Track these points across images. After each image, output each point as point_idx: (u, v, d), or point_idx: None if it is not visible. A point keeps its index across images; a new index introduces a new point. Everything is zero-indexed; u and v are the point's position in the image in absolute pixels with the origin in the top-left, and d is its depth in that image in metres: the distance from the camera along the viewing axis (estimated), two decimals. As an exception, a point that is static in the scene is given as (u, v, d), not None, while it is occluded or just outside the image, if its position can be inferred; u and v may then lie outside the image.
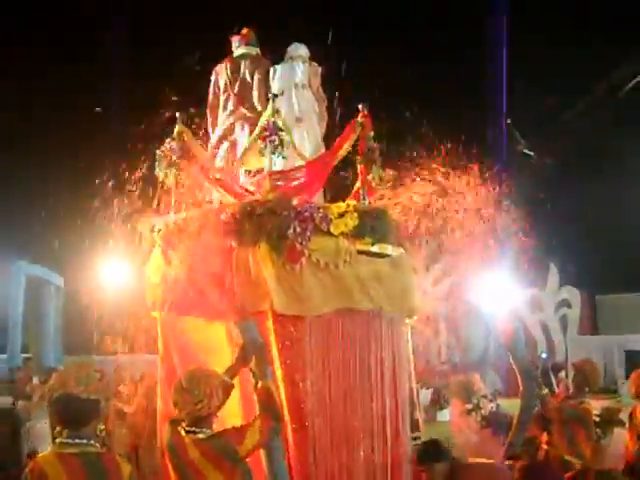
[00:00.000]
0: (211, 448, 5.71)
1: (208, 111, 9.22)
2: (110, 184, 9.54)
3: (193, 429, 5.80)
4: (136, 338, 9.45)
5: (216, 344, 7.57)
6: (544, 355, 21.89)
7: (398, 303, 7.79)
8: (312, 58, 9.07)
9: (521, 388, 8.59)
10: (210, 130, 9.11)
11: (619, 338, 30.30)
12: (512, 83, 26.35)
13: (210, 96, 9.22)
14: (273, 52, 9.30)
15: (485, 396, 11.28)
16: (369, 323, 7.52)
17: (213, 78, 9.24)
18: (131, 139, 9.71)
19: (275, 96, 8.06)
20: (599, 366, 10.48)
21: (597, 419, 9.23)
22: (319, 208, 7.41)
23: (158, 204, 8.44)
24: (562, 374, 22.82)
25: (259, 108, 8.60)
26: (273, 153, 7.69)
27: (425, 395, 23.54)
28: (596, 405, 10.39)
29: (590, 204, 31.99)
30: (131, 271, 9.25)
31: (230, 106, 8.98)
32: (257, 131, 7.88)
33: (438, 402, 20.72)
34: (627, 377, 24.08)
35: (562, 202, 31.43)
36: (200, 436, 5.77)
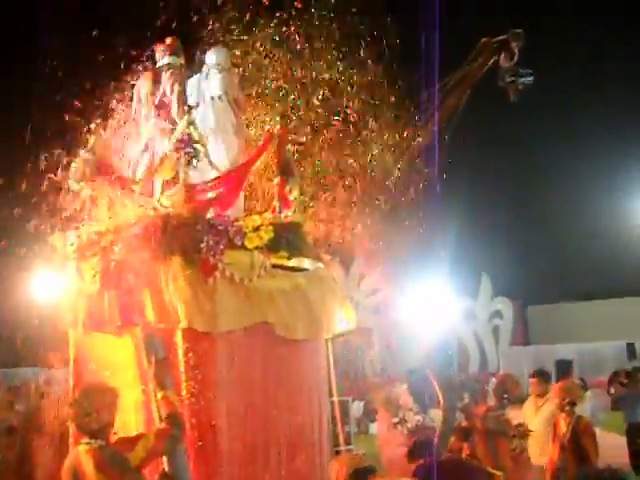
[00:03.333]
0: (102, 457, 5.64)
1: (132, 123, 9.04)
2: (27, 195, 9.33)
3: (88, 441, 5.73)
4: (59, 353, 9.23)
5: (125, 361, 7.38)
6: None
7: (315, 318, 7.70)
8: (234, 63, 8.95)
9: (441, 401, 8.58)
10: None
11: (550, 348, 30.69)
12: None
13: (133, 108, 9.03)
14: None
15: (411, 409, 11.26)
16: (284, 339, 7.41)
17: (135, 89, 9.05)
18: (48, 148, 9.51)
19: (190, 108, 7.93)
20: (521, 378, 10.54)
21: (521, 429, 9.27)
22: (233, 221, 7.32)
23: (72, 217, 8.23)
24: (492, 382, 22.95)
25: (178, 120, 8.44)
26: (187, 165, 7.56)
27: (358, 407, 23.56)
28: (521, 415, 10.45)
29: (522, 217, 32.39)
30: (51, 286, 9.03)
31: (151, 118, 8.81)
32: (172, 143, 7.73)
33: (370, 414, 20.71)
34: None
35: (495, 215, 31.79)
36: (94, 446, 5.71)
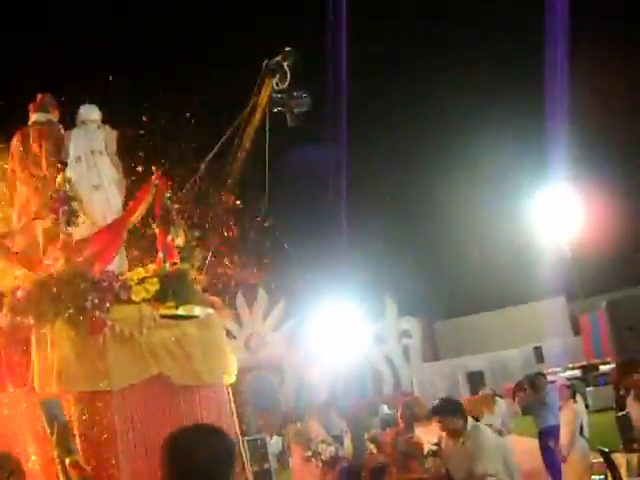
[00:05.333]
0: None
1: (9, 186, 8.87)
2: None
3: None
4: None
5: (19, 429, 7.18)
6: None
7: (211, 363, 7.63)
8: (105, 120, 8.82)
9: (349, 434, 8.62)
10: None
11: (460, 361, 31.10)
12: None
13: (8, 171, 8.87)
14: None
15: (324, 440, 11.25)
16: (182, 387, 7.32)
17: (10, 151, 8.90)
18: None
19: (65, 164, 7.82)
20: (436, 393, 10.64)
21: (434, 447, 9.33)
22: (117, 276, 7.22)
23: None
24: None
25: (50, 178, 8.30)
26: (67, 224, 7.44)
27: (277, 443, 23.42)
28: (437, 431, 10.54)
29: (418, 237, 32.85)
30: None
31: (22, 178, 8.65)
32: (48, 202, 7.62)
33: (289, 449, 20.59)
34: (471, 397, 24.68)
35: (394, 238, 32.18)
36: None
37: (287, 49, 8.58)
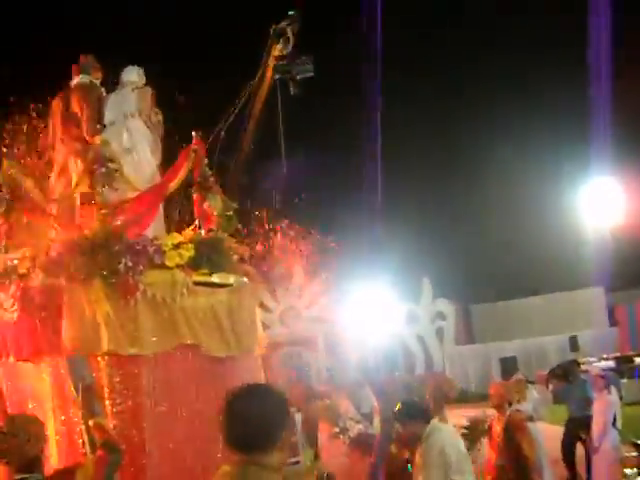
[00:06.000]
0: None
1: (49, 146, 8.85)
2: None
3: (23, 476, 5.48)
4: None
5: (45, 390, 7.17)
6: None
7: (243, 334, 7.56)
8: (150, 79, 8.68)
9: (378, 409, 8.49)
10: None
11: (494, 345, 30.82)
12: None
13: (49, 131, 8.84)
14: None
15: (352, 418, 11.13)
16: (212, 357, 7.26)
17: (50, 112, 8.86)
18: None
19: (103, 127, 7.76)
20: (467, 377, 10.49)
21: (465, 430, 9.21)
22: (152, 240, 7.14)
23: None
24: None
25: (89, 140, 8.25)
26: (103, 185, 7.38)
27: (298, 419, 23.29)
28: (468, 414, 10.41)
29: (459, 219, 32.60)
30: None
31: (63, 140, 8.61)
32: (86, 163, 7.56)
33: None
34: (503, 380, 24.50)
35: (433, 220, 31.96)
36: None
37: (291, 13, 8.36)
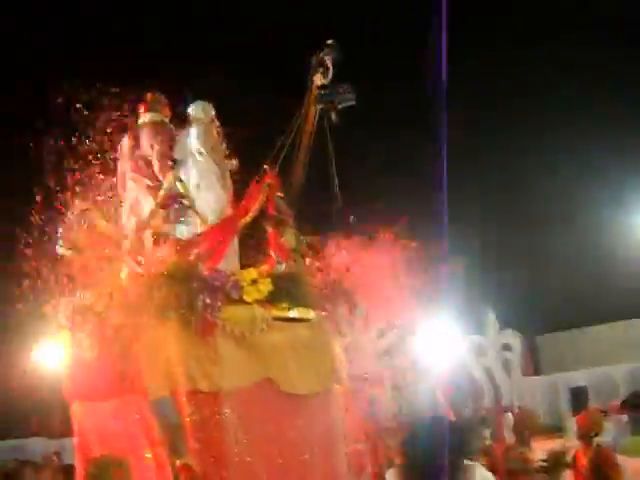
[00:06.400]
0: None
1: (118, 187, 8.84)
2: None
3: None
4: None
5: (130, 429, 7.07)
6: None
7: (322, 370, 7.41)
8: (219, 116, 8.63)
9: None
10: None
11: (562, 376, 30.30)
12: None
13: (118, 171, 8.83)
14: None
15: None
16: (290, 395, 7.10)
17: (119, 150, 8.85)
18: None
19: (175, 163, 7.71)
20: (536, 409, 10.21)
21: (544, 464, 8.94)
22: (229, 276, 7.04)
23: (63, 284, 7.97)
24: (508, 416, 22.60)
25: (161, 178, 8.21)
26: (176, 221, 7.32)
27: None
28: (543, 447, 10.12)
29: (520, 249, 32.21)
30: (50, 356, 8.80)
31: (133, 179, 8.59)
32: (159, 199, 7.51)
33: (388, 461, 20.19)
34: (574, 413, 24.06)
35: (494, 251, 31.59)
36: None
37: (328, 42, 8.29)
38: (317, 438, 7.23)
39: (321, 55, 8.25)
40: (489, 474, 6.34)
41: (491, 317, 31.05)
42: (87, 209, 8.05)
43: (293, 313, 7.28)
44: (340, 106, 8.22)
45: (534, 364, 34.11)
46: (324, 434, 7.32)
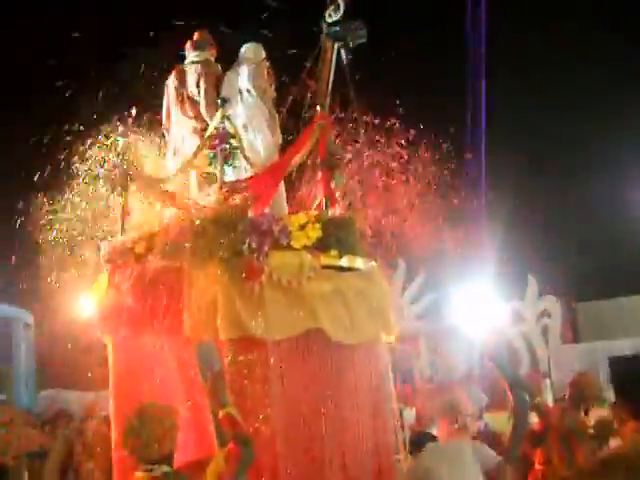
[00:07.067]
0: None
1: (163, 126, 8.61)
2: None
3: (150, 467, 5.15)
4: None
5: (169, 374, 6.85)
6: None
7: (372, 321, 7.04)
8: (270, 56, 8.40)
9: (512, 402, 7.94)
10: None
11: (602, 344, 29.84)
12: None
13: (163, 110, 8.58)
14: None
15: (472, 415, 10.69)
16: (340, 344, 6.74)
17: (165, 89, 8.60)
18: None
19: (224, 102, 7.38)
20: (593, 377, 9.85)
21: (592, 431, 8.64)
22: (277, 220, 6.69)
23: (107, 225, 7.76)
24: (547, 382, 22.39)
25: (207, 118, 7.90)
26: (225, 163, 6.99)
27: (409, 415, 22.81)
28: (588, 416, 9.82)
29: (565, 211, 31.70)
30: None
31: (178, 119, 8.32)
32: (206, 139, 7.17)
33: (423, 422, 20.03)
34: (613, 384, 23.72)
35: (535, 213, 31.11)
36: (156, 473, 5.16)
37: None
38: (366, 391, 6.93)
39: None
40: None
41: (531, 282, 30.63)
42: (129, 147, 7.78)
43: (343, 261, 6.92)
44: (352, 44, 8.04)
45: (574, 331, 33.72)
46: (373, 387, 7.02)
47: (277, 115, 8.25)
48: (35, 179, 14.42)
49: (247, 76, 8.06)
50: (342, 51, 8.07)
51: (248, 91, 8.02)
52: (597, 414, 9.75)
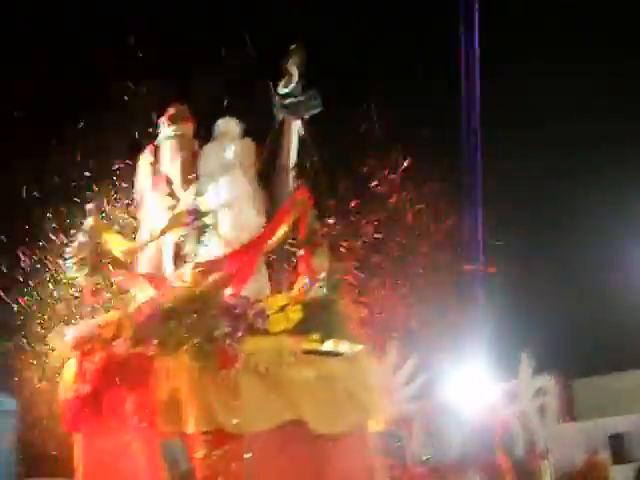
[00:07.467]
0: None
1: (136, 204, 8.22)
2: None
3: None
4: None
5: (137, 469, 6.30)
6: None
7: (358, 408, 6.58)
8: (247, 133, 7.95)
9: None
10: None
11: (600, 422, 29.30)
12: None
13: (136, 188, 8.18)
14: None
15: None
16: (320, 437, 6.27)
17: (138, 167, 8.20)
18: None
19: (197, 178, 7.01)
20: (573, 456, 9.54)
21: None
22: (253, 302, 6.28)
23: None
24: (545, 464, 21.85)
25: (181, 195, 7.50)
26: (196, 241, 6.57)
27: (403, 501, 22.16)
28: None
29: (556, 288, 31.44)
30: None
31: (152, 197, 7.92)
32: (176, 215, 6.77)
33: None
34: (613, 461, 23.18)
35: (530, 289, 30.85)
36: None
37: (292, 47, 7.82)
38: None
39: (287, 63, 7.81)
40: None
41: (524, 360, 30.14)
42: (100, 227, 7.35)
43: (326, 346, 6.47)
44: (306, 115, 7.79)
45: (570, 409, 33.19)
46: (359, 476, 6.51)
47: (263, 194, 7.85)
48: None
49: (232, 152, 7.65)
50: (299, 123, 7.81)
51: (233, 167, 7.58)
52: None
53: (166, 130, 8.04)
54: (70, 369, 6.82)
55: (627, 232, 29.49)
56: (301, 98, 7.76)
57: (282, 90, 7.82)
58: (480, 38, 21.43)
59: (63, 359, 6.93)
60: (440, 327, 26.31)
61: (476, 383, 27.06)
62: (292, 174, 7.68)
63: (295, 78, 7.76)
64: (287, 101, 7.77)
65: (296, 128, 7.82)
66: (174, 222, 6.92)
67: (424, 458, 23.84)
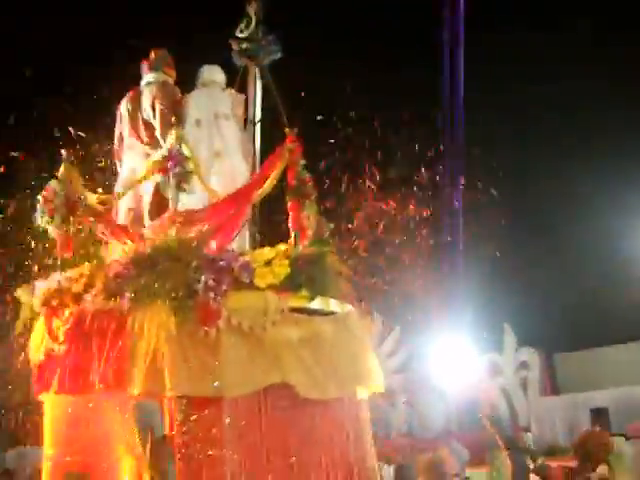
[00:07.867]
0: None
1: (114, 150, 7.81)
2: None
3: None
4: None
5: (110, 430, 5.95)
6: None
7: (346, 372, 6.15)
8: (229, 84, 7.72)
9: (510, 465, 7.19)
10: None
11: (582, 396, 29.13)
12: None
13: (115, 135, 7.73)
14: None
15: (457, 474, 10.05)
16: (309, 401, 5.86)
17: (118, 113, 7.74)
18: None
19: (179, 122, 6.54)
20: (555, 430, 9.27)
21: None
22: (238, 255, 5.84)
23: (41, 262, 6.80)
24: (528, 436, 21.61)
25: (162, 142, 7.02)
26: (178, 188, 6.08)
27: (388, 472, 21.81)
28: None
29: (542, 261, 31.23)
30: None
31: (131, 144, 7.45)
32: (157, 161, 6.28)
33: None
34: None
35: (514, 263, 30.65)
36: None
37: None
38: (342, 455, 6.05)
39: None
40: None
41: (508, 333, 29.93)
42: (71, 174, 6.84)
43: (315, 304, 6.02)
44: (266, 61, 7.75)
45: (553, 384, 33.11)
46: (351, 450, 6.13)
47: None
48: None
49: (225, 102, 7.41)
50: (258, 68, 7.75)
51: (226, 118, 7.30)
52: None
53: (147, 76, 7.62)
54: (40, 327, 6.38)
55: (611, 205, 29.28)
56: (261, 43, 7.67)
57: (240, 34, 7.68)
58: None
59: (33, 316, 6.45)
60: (422, 300, 26.13)
61: (459, 356, 26.88)
62: (258, 124, 7.59)
63: (254, 23, 7.64)
64: (245, 45, 7.66)
65: (258, 76, 7.74)
66: (153, 168, 6.41)
67: (406, 430, 23.66)
